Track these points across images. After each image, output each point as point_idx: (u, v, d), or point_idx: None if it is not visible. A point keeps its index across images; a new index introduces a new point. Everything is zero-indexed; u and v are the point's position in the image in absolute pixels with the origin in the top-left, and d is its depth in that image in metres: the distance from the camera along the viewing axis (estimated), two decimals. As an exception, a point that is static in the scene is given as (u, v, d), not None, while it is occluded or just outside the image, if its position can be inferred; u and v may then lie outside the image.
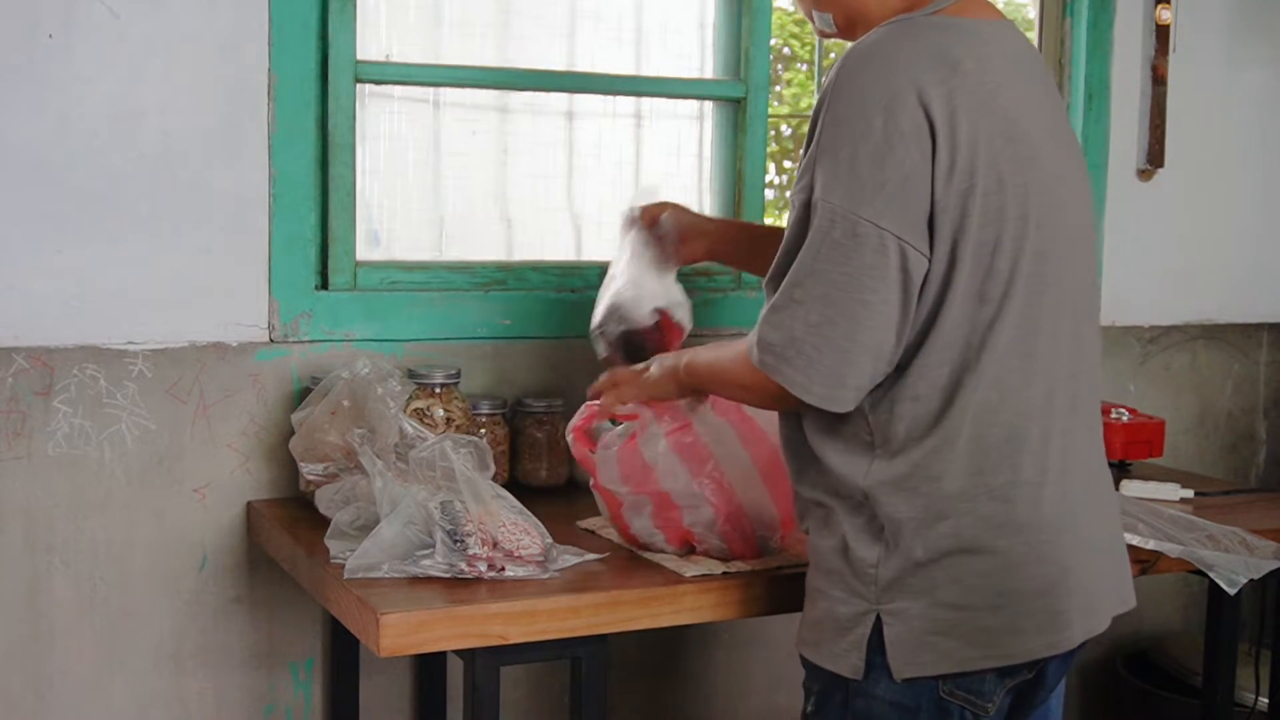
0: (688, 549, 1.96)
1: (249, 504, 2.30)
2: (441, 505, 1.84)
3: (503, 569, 1.81)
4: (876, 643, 1.62)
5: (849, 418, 1.65)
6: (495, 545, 1.82)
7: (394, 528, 1.84)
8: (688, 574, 1.87)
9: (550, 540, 1.88)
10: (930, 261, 1.58)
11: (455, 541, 1.81)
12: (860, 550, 1.63)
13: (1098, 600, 1.68)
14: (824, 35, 1.84)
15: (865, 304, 1.56)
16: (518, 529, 1.86)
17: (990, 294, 1.59)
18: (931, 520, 1.60)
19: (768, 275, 1.67)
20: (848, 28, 1.77)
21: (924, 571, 1.60)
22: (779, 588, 1.88)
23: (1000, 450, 1.60)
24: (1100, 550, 1.70)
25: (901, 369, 1.61)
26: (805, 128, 1.69)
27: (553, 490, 2.39)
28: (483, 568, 1.80)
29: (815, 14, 1.80)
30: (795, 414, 1.71)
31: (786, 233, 1.64)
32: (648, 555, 1.96)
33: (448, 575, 1.80)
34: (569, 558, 1.89)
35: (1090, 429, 1.71)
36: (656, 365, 1.94)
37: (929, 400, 1.60)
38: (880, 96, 1.56)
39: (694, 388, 1.88)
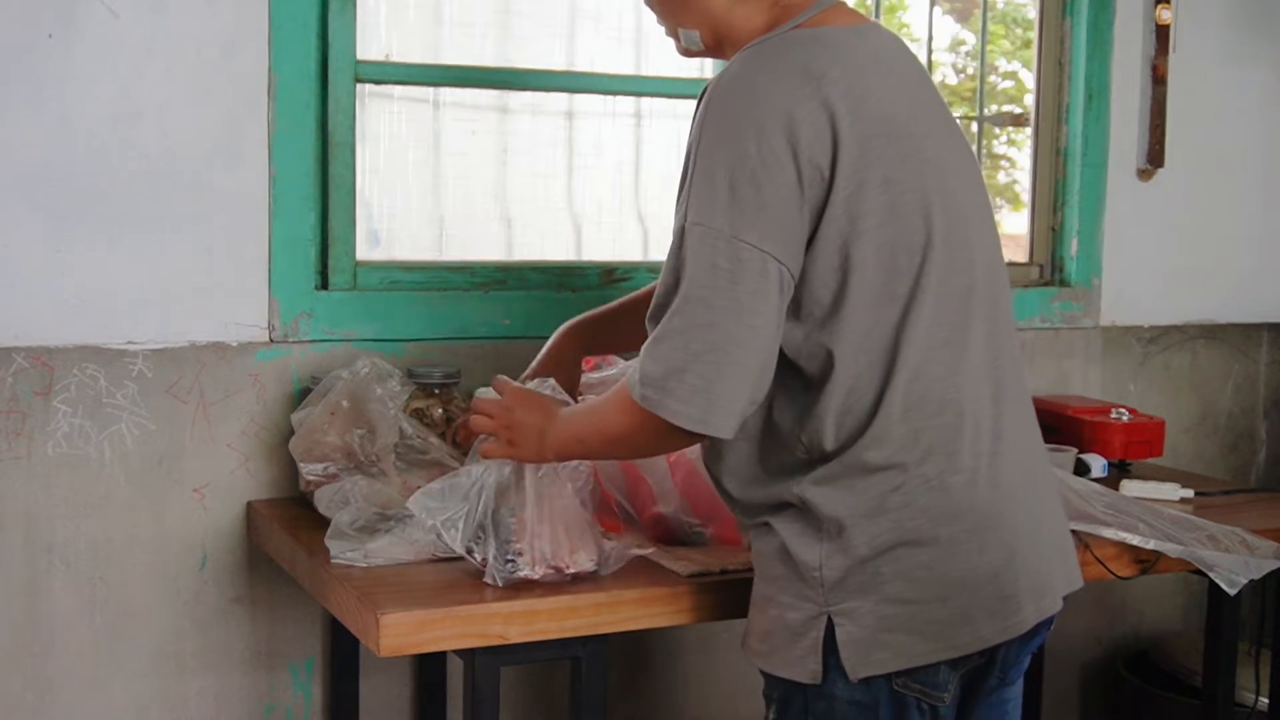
0: (661, 525, 1.99)
1: (249, 504, 2.30)
2: (494, 516, 1.79)
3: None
4: (830, 645, 1.61)
5: (778, 442, 1.65)
6: (547, 564, 1.79)
7: (461, 492, 1.79)
8: (687, 573, 1.87)
9: (607, 544, 1.85)
10: (810, 276, 1.58)
11: (506, 561, 1.78)
12: (802, 554, 1.63)
13: (1047, 582, 1.68)
14: (689, 54, 1.82)
15: (751, 329, 1.55)
16: (572, 536, 1.81)
17: (898, 292, 1.60)
18: (870, 515, 1.60)
19: (649, 311, 1.63)
20: (715, 46, 1.77)
21: (868, 567, 1.60)
22: (779, 588, 1.88)
23: (932, 441, 1.60)
24: (1044, 532, 1.70)
25: (818, 387, 1.61)
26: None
27: (553, 490, 2.39)
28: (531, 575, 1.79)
29: (681, 32, 1.79)
30: (717, 444, 1.69)
31: (666, 264, 1.61)
32: (647, 555, 1.96)
33: (487, 581, 1.79)
34: (619, 555, 1.86)
35: (1018, 412, 1.71)
36: (526, 424, 1.77)
37: (856, 408, 1.60)
38: (751, 121, 1.56)
39: (563, 457, 1.77)
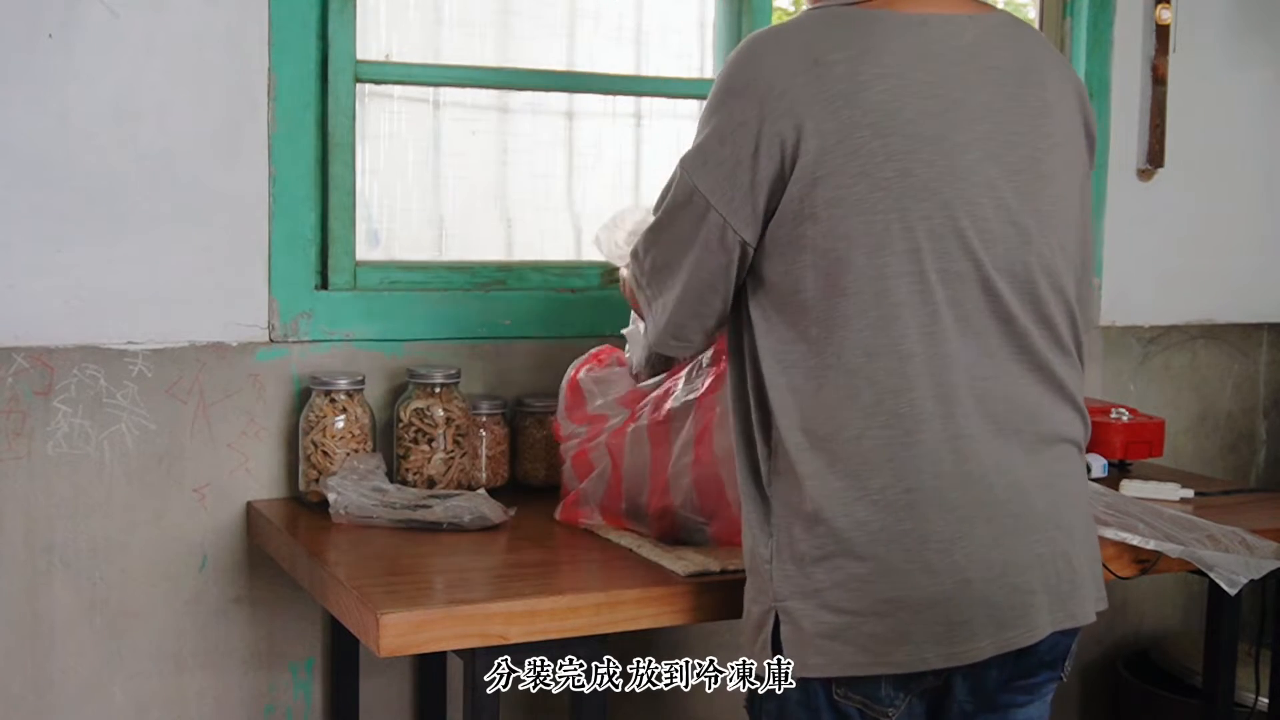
0: (667, 519, 2.00)
1: (249, 504, 2.30)
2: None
3: None
4: (777, 642, 1.61)
5: (750, 434, 1.66)
6: None
7: None
8: (686, 573, 1.87)
9: None
10: (767, 253, 1.60)
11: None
12: (758, 547, 1.65)
13: (1019, 615, 1.57)
14: None
15: (696, 263, 1.66)
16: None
17: (848, 288, 1.54)
18: (813, 521, 1.57)
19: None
20: None
21: (810, 570, 1.58)
22: (779, 588, 1.88)
23: (878, 454, 1.54)
24: (1025, 563, 1.58)
25: (772, 383, 1.60)
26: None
27: (552, 490, 2.39)
28: None
29: None
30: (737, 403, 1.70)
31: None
32: (646, 554, 1.96)
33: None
34: None
35: (1009, 434, 1.59)
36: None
37: (805, 406, 1.58)
38: (739, 84, 1.61)
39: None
